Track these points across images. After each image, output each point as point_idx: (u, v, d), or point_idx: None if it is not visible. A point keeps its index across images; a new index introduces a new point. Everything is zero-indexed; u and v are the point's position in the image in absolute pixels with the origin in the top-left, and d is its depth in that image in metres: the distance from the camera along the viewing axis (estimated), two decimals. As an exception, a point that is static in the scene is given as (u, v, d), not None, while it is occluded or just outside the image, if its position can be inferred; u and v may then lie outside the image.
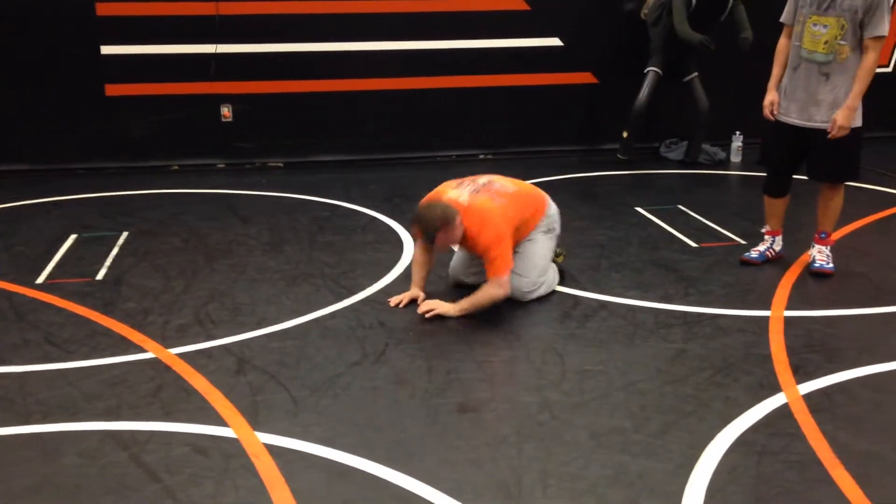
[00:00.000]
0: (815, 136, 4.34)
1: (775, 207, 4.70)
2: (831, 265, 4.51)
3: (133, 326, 3.92)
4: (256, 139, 7.14)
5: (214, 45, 6.81)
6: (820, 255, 4.53)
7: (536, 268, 4.17)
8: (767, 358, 3.58)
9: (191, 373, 3.46)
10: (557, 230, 4.34)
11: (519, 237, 4.14)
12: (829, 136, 4.24)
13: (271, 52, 6.94)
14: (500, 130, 7.49)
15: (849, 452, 2.87)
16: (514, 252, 4.09)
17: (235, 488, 2.68)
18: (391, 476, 2.75)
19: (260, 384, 3.37)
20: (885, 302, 4.16)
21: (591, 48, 7.41)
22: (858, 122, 4.31)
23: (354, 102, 7.17)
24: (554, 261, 4.41)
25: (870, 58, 4.15)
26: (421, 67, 7.19)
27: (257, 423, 3.06)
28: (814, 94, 4.27)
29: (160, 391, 3.31)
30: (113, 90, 6.83)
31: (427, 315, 3.97)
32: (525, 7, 7.16)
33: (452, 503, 2.61)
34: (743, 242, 5.09)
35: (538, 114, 7.45)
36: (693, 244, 5.08)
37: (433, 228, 3.88)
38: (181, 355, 3.62)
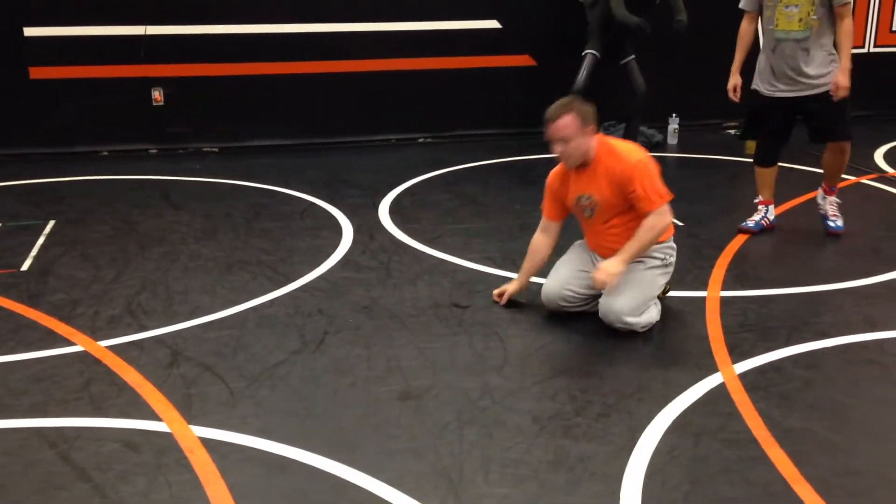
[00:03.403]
0: (811, 103, 4.61)
1: (767, 177, 4.98)
2: (842, 224, 4.91)
3: (61, 319, 3.78)
4: (190, 124, 6.96)
5: (144, 27, 6.61)
6: (832, 210, 4.92)
7: (639, 294, 3.63)
8: (704, 338, 3.62)
9: (122, 366, 3.35)
10: (671, 269, 3.85)
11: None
12: (835, 98, 4.50)
13: (205, 34, 6.77)
14: (438, 114, 7.44)
15: (783, 430, 2.92)
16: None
17: (168, 484, 2.61)
18: (331, 467, 2.70)
19: (194, 376, 3.28)
20: (815, 281, 4.25)
21: (530, 31, 7.40)
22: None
23: (291, 86, 7.04)
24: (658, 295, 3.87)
25: (846, 23, 4.47)
26: (358, 50, 7.09)
27: (192, 417, 2.98)
28: (798, 67, 4.55)
29: (89, 385, 3.20)
30: (38, 73, 6.59)
31: (603, 288, 3.59)
32: (463, -11, 7.12)
33: (393, 493, 2.58)
34: (679, 224, 5.14)
35: (477, 97, 7.42)
36: (631, 226, 5.11)
37: (567, 109, 3.57)
38: (111, 348, 3.51)
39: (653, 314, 3.72)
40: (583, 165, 3.68)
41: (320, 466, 2.71)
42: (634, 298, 3.62)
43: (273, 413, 3.04)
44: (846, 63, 4.46)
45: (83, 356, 3.44)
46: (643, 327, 3.66)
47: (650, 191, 3.57)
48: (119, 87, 6.73)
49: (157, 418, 2.97)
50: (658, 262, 3.76)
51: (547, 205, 3.93)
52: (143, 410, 3.03)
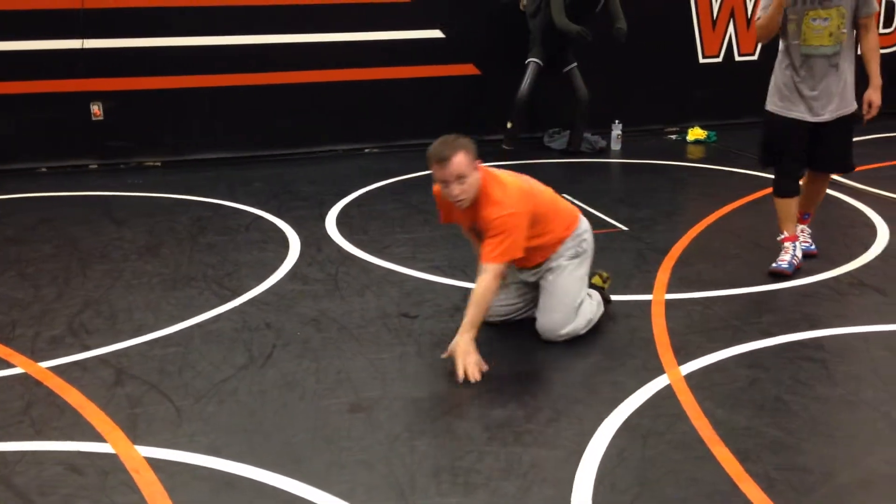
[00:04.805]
0: (827, 128, 4.24)
1: (790, 209, 4.44)
2: (814, 246, 4.63)
3: (-1, 341, 3.69)
4: (131, 138, 6.85)
5: (81, 41, 6.49)
6: (803, 237, 4.58)
7: (566, 305, 3.61)
8: (651, 341, 3.68)
9: (64, 387, 3.27)
10: (589, 252, 3.75)
11: (541, 244, 3.59)
12: (866, 118, 4.21)
13: (143, 47, 6.68)
14: (385, 124, 7.44)
15: (728, 429, 2.97)
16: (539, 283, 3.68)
17: (115, 507, 2.55)
18: (280, 482, 2.67)
19: (139, 395, 3.22)
20: (756, 282, 4.34)
21: (473, 40, 7.46)
22: (856, 106, 4.28)
23: (235, 98, 6.98)
24: (597, 287, 3.89)
25: (873, 34, 4.18)
26: (302, 61, 7.06)
27: (137, 437, 2.92)
28: (827, 87, 4.17)
29: (30, 408, 3.12)
30: (-29, 89, 6.42)
31: (473, 377, 3.33)
32: (405, 0, 7.14)
33: (345, 506, 2.57)
34: (624, 229, 5.21)
35: (422, 106, 7.44)
36: (577, 232, 5.16)
37: (457, 146, 3.32)
38: (53, 369, 3.42)
39: (589, 310, 3.69)
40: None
41: (269, 482, 2.68)
42: (563, 311, 3.61)
43: (221, 430, 2.99)
44: (878, 79, 4.16)
45: (23, 378, 3.35)
46: (585, 327, 3.67)
47: (492, 246, 3.38)
48: (57, 101, 6.59)
49: (101, 439, 2.91)
50: (565, 260, 3.66)
51: (446, 221, 3.82)
52: (87, 432, 2.96)
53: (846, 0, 4.09)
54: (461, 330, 3.39)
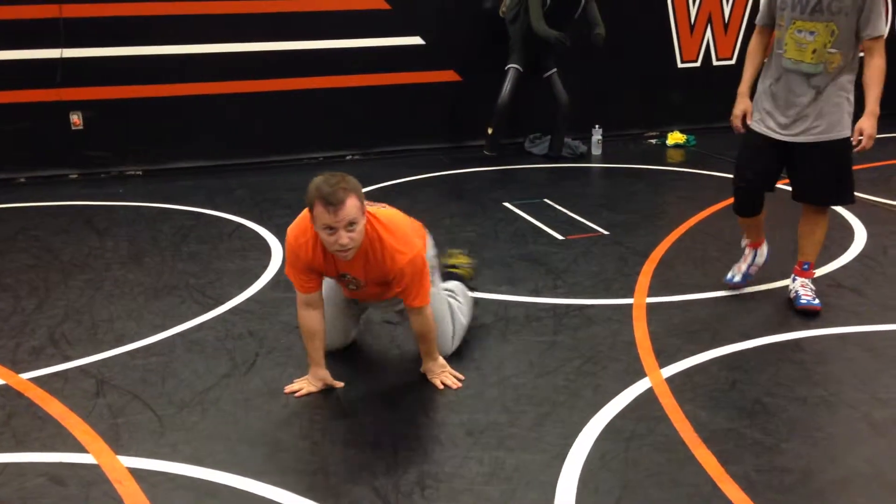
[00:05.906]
0: (801, 153, 3.82)
1: (752, 222, 4.12)
2: (818, 301, 3.97)
3: (-21, 352, 3.66)
4: (111, 147, 6.81)
5: (60, 50, 6.46)
6: (804, 290, 3.99)
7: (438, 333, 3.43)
8: (632, 344, 3.70)
9: (45, 398, 3.25)
10: (436, 266, 3.62)
11: None
12: (857, 149, 3.74)
13: (123, 56, 6.64)
14: (365, 130, 7.45)
15: (709, 431, 3.00)
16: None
17: (98, 518, 2.54)
18: (264, 491, 2.67)
19: (121, 405, 3.21)
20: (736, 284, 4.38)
21: (453, 46, 7.48)
22: (848, 132, 3.80)
23: (215, 106, 6.96)
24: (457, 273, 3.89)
25: (877, 59, 3.64)
26: (282, 69, 7.05)
27: (119, 447, 2.91)
28: (802, 107, 3.74)
29: (11, 420, 3.10)
30: (-52, 99, 6.37)
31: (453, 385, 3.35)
32: (385, 6, 7.16)
33: (329, 513, 2.57)
34: (606, 233, 5.25)
35: (403, 113, 7.46)
36: (559, 237, 5.20)
37: (349, 187, 2.97)
38: (34, 380, 3.40)
39: (456, 328, 3.56)
40: None
41: (253, 490, 2.67)
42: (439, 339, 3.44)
43: (204, 439, 2.99)
44: (875, 107, 3.65)
45: (4, 390, 3.33)
46: (454, 347, 3.56)
47: (416, 290, 3.20)
48: (35, 112, 6.54)
49: (83, 450, 2.90)
50: None
51: (301, 278, 3.21)
52: (69, 443, 2.95)
53: (840, 17, 3.60)
54: (424, 362, 3.40)
